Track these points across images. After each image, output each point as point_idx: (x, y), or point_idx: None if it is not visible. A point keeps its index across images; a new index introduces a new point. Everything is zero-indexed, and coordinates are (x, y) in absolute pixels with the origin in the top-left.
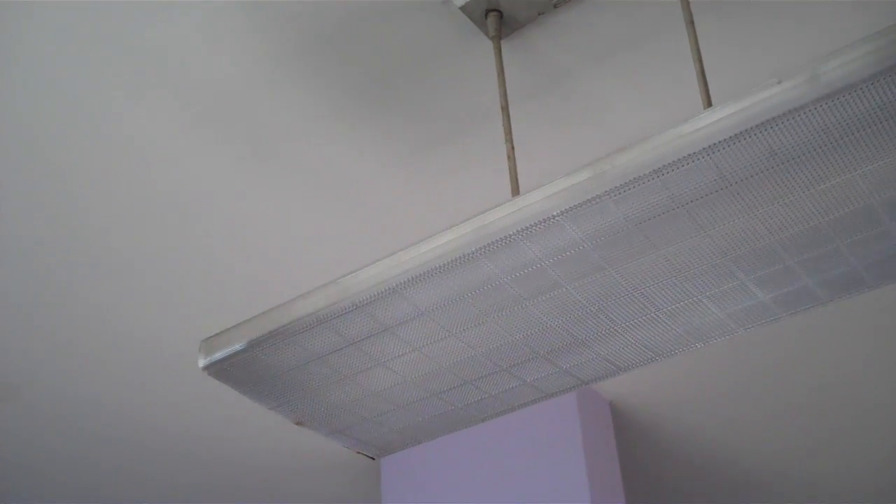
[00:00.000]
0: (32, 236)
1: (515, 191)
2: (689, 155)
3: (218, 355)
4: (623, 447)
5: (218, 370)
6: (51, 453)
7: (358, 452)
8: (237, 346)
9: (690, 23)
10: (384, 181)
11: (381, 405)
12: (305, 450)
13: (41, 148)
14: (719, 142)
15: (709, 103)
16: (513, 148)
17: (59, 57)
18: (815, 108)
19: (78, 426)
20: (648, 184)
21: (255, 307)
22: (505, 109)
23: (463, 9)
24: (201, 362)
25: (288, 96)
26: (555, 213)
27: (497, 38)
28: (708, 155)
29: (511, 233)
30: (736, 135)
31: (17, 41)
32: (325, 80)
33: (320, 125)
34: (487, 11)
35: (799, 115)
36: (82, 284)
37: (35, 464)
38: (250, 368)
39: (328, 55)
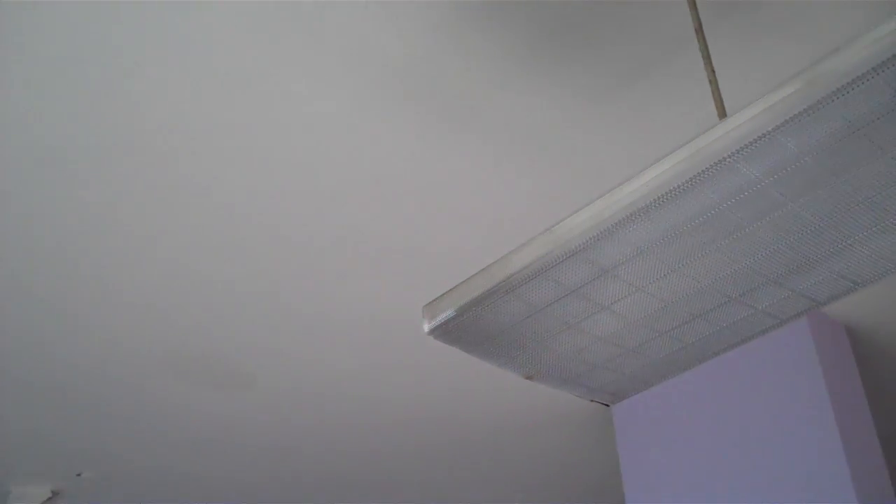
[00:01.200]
0: (249, 226)
1: (722, 114)
2: None
3: (441, 318)
4: (864, 372)
5: (443, 332)
6: (287, 438)
7: (592, 401)
8: (459, 307)
9: None
10: (579, 127)
11: (610, 350)
12: (534, 405)
13: (253, 137)
14: None
15: None
16: (713, 71)
17: (240, 41)
18: None
19: (312, 407)
20: (870, 82)
21: (466, 269)
22: (699, 31)
23: None
24: (426, 327)
25: (474, 56)
26: (769, 129)
27: None
28: None
29: (726, 156)
30: None
31: (198, 30)
32: (511, 34)
33: (508, 80)
34: None
35: None
36: (307, 268)
37: (273, 447)
38: (474, 327)
39: (512, 9)
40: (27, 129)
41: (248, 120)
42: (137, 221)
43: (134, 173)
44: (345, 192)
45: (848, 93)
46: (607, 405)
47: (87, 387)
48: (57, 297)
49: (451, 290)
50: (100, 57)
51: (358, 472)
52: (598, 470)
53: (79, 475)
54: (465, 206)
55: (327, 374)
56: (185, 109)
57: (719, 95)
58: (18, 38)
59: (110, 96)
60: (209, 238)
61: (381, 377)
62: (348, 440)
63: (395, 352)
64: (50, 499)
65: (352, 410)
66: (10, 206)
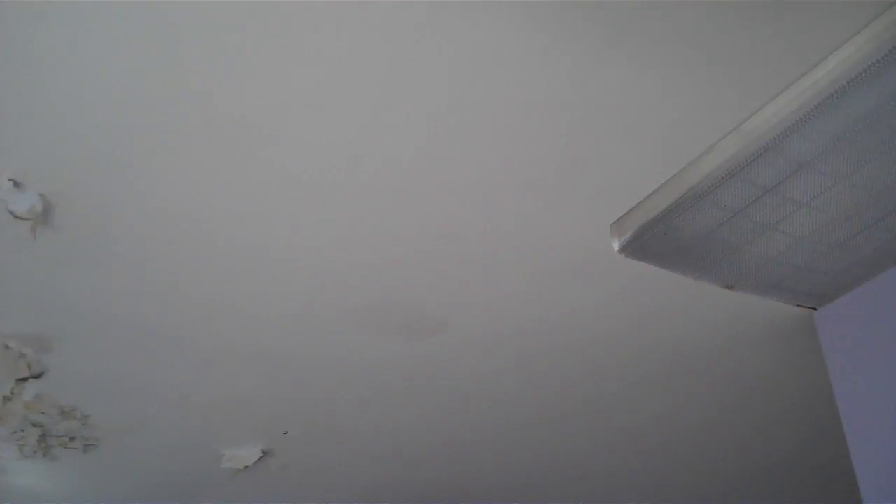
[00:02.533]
0: (426, 174)
1: None
2: None
3: (631, 233)
4: None
5: (634, 248)
6: (480, 380)
7: (797, 305)
8: (649, 220)
9: None
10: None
11: (812, 249)
12: (732, 318)
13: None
14: None
15: None
16: None
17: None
18: None
19: (507, 349)
20: None
21: (648, 188)
22: None
23: None
24: (616, 245)
25: None
26: None
27: None
28: None
29: None
30: None
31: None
32: None
33: None
34: None
35: None
36: (488, 208)
37: (470, 393)
38: (667, 239)
39: None
40: None
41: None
42: (317, 180)
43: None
44: (517, 126)
45: None
46: (814, 309)
47: (283, 347)
48: (246, 263)
49: (638, 204)
50: None
51: (559, 406)
52: (807, 384)
53: (285, 433)
54: (637, 122)
55: (518, 313)
56: None
57: None
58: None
59: None
60: (390, 189)
61: (573, 309)
62: (544, 375)
63: (586, 282)
64: (261, 458)
65: (546, 346)
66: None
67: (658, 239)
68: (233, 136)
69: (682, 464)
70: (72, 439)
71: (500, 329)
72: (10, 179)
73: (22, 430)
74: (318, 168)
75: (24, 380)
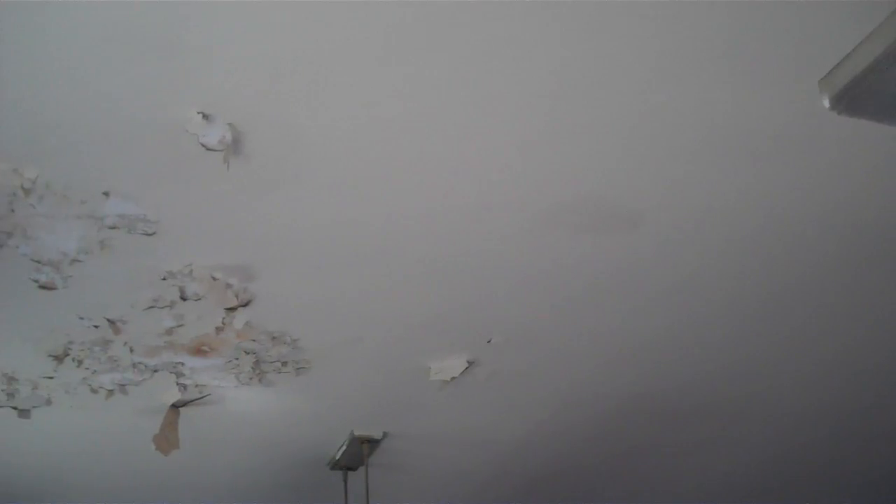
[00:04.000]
0: None
1: None
2: None
3: (843, 86)
4: None
5: (848, 104)
6: (680, 275)
7: None
8: (863, 69)
9: None
10: None
11: None
12: None
13: None
14: None
15: None
16: None
17: None
18: None
19: (710, 237)
20: None
21: None
22: None
23: None
24: (826, 102)
25: None
26: None
27: None
28: None
29: None
30: None
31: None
32: None
33: None
34: None
35: None
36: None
37: (672, 285)
38: (885, 90)
39: None
40: None
41: None
42: None
43: None
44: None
45: None
46: None
47: (480, 256)
48: (437, 175)
49: (849, 54)
50: None
51: (774, 294)
52: None
53: (489, 342)
54: None
55: (720, 197)
56: None
57: None
58: None
59: None
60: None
61: (786, 184)
62: (753, 262)
63: (797, 152)
64: (467, 368)
65: (752, 230)
66: None
67: (873, 90)
68: None
69: None
70: (284, 364)
71: (702, 217)
72: (199, 112)
73: (236, 359)
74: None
75: (233, 309)
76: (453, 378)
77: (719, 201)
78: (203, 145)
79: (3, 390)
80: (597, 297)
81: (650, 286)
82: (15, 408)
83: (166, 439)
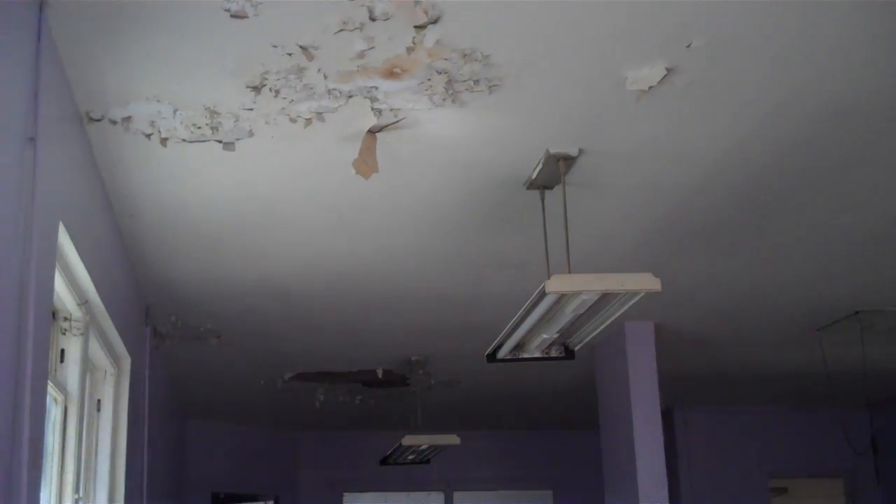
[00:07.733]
0: None
1: None
2: None
3: None
4: None
5: None
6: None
7: None
8: None
9: None
10: None
11: None
12: None
13: None
14: None
15: None
16: None
17: None
18: None
19: None
20: None
21: None
22: None
23: None
24: None
25: None
26: None
27: None
28: None
29: None
30: None
31: None
32: None
33: None
34: None
35: None
36: None
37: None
38: None
39: None
40: None
41: None
42: None
43: None
44: None
45: None
46: None
47: None
48: None
49: None
50: None
51: None
52: None
53: (688, 46)
54: None
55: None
56: None
57: None
58: None
59: None
60: None
61: None
62: None
63: None
64: (665, 76)
65: None
66: None
67: None
68: None
69: None
70: (476, 82)
71: None
72: None
73: (428, 80)
74: None
75: (423, 27)
76: (651, 87)
77: None
78: None
79: (207, 124)
80: None
81: None
82: (220, 141)
83: (366, 163)
